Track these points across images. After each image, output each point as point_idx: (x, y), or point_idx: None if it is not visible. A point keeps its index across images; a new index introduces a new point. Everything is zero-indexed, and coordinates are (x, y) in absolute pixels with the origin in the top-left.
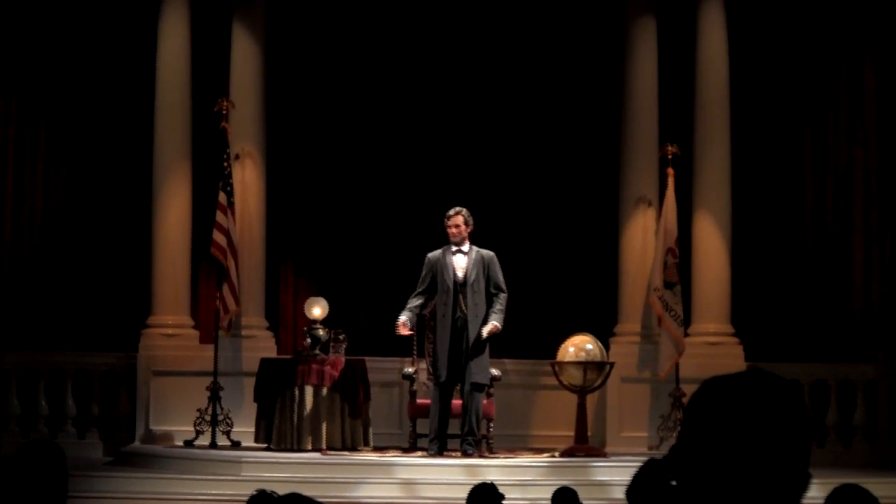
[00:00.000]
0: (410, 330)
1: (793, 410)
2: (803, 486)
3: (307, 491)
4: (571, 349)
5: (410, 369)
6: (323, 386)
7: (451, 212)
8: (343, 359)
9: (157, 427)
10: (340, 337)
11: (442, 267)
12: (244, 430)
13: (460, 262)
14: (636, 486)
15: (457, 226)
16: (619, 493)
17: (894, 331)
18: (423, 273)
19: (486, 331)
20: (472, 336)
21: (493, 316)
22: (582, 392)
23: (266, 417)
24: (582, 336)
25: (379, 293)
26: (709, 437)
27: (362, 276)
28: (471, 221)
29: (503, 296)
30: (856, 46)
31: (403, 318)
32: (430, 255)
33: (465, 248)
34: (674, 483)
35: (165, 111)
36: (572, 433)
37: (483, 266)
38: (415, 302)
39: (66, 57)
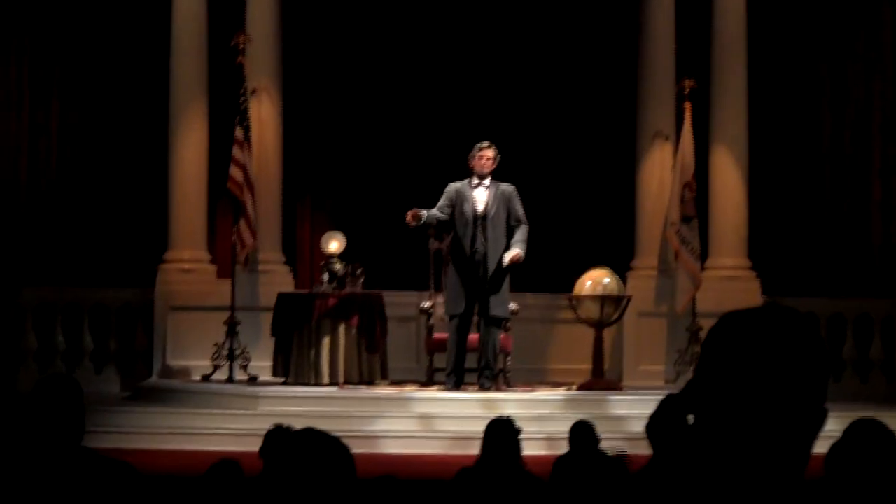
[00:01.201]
0: (417, 223)
1: (810, 345)
2: (820, 421)
3: (324, 425)
4: (589, 283)
5: (428, 303)
6: (340, 320)
7: (484, 144)
8: (359, 292)
9: (174, 362)
10: (357, 271)
11: (463, 199)
12: (261, 364)
13: (481, 196)
14: (655, 422)
15: (488, 158)
16: (637, 427)
17: None
18: (443, 199)
19: (508, 257)
20: (491, 269)
21: (516, 245)
22: (599, 326)
23: (283, 352)
24: (599, 270)
25: (396, 227)
26: (726, 372)
27: (380, 211)
28: (498, 157)
29: (525, 227)
30: None
31: (420, 210)
32: (452, 185)
33: (487, 181)
34: (691, 418)
35: (182, 46)
36: (589, 367)
37: (504, 200)
38: (435, 212)
39: None
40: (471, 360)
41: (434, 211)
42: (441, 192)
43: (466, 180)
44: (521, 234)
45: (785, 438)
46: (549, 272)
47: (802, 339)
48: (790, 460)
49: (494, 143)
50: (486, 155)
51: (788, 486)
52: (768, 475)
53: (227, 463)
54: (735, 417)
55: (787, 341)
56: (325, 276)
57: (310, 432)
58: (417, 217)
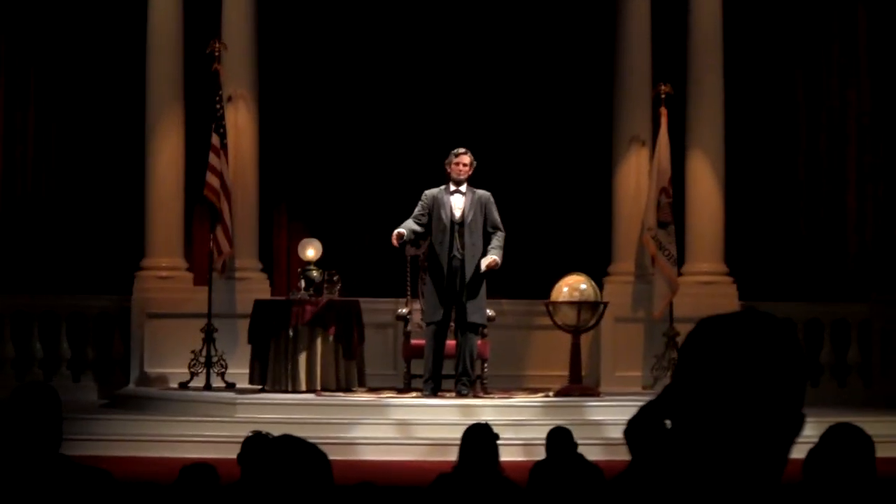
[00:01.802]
0: (403, 244)
1: (787, 350)
2: (798, 426)
3: (301, 432)
4: (565, 289)
5: (405, 310)
6: (317, 327)
7: (461, 149)
8: (336, 299)
9: (151, 369)
10: (334, 278)
11: (440, 205)
12: (239, 371)
13: (458, 202)
14: (633, 427)
15: (465, 164)
16: (614, 433)
17: (887, 271)
18: (419, 207)
19: (484, 263)
20: (468, 275)
21: (492, 251)
22: (576, 332)
23: (260, 359)
24: (576, 276)
25: (373, 234)
26: (703, 377)
27: (356, 218)
28: (475, 163)
29: (501, 234)
30: None
31: (402, 230)
32: (428, 191)
33: (464, 188)
34: (668, 424)
35: (157, 53)
36: (566, 373)
37: (481, 206)
38: (412, 225)
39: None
40: (448, 367)
41: (411, 224)
42: (417, 199)
43: (443, 187)
44: (497, 240)
45: (763, 443)
46: (525, 278)
47: (780, 344)
48: (768, 465)
49: (471, 148)
50: (463, 161)
51: (766, 491)
52: (746, 480)
53: (201, 467)
54: (713, 423)
55: (765, 346)
56: (302, 283)
57: (287, 439)
58: (400, 237)
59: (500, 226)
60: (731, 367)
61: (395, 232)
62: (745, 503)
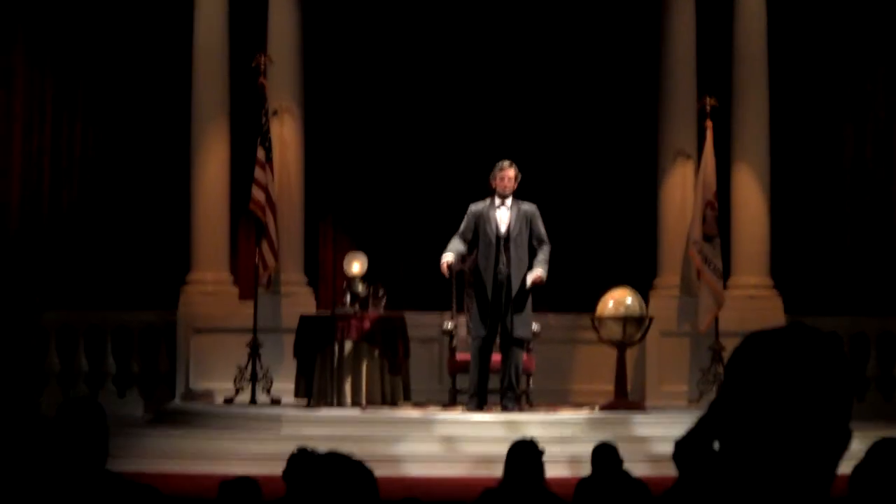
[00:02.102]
0: (452, 270)
1: (834, 365)
2: (845, 441)
3: (347, 447)
4: (611, 303)
5: (450, 324)
6: (362, 342)
7: (505, 163)
8: (381, 314)
9: (197, 384)
10: (380, 292)
11: (485, 220)
12: (284, 386)
13: (503, 216)
14: (682, 446)
15: (510, 178)
16: (660, 448)
17: None
18: (465, 223)
19: (530, 279)
20: (514, 290)
21: (538, 266)
22: (621, 346)
23: (306, 374)
24: (621, 290)
25: (418, 248)
26: (750, 392)
27: (401, 231)
28: (519, 176)
29: (547, 247)
30: None
31: (450, 258)
32: (474, 206)
33: (509, 201)
34: (716, 446)
35: (203, 67)
36: (612, 387)
37: (526, 220)
38: (458, 245)
39: (104, 14)
40: (493, 381)
41: (458, 245)
42: (462, 212)
43: (488, 200)
44: (543, 254)
45: (810, 459)
46: (571, 292)
47: (826, 359)
48: (816, 481)
49: (516, 161)
50: (508, 174)
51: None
52: (794, 496)
53: (242, 481)
54: (760, 438)
55: (811, 361)
56: (348, 298)
57: (333, 455)
58: (449, 266)
59: (546, 239)
60: (778, 382)
61: (444, 262)
62: None
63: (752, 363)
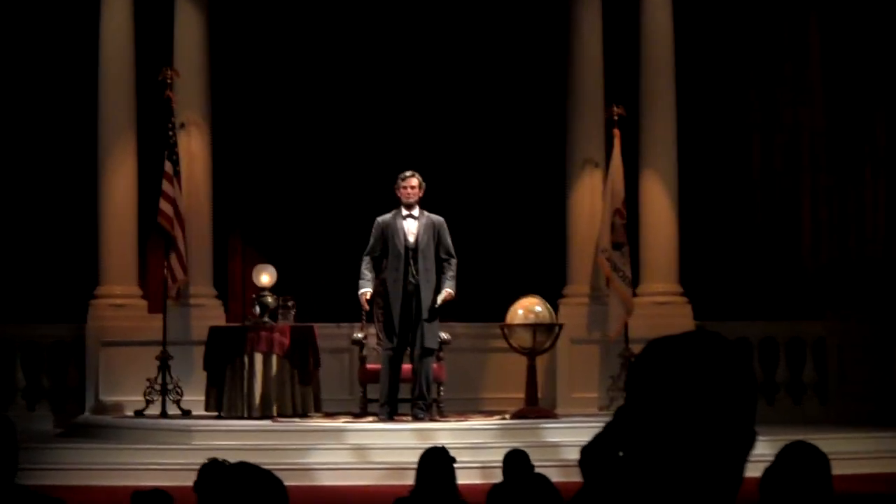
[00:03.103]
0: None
1: (736, 368)
2: (749, 445)
3: (258, 458)
4: (520, 311)
5: (360, 335)
6: (272, 353)
7: (407, 173)
8: (291, 325)
9: (107, 398)
10: (289, 304)
11: (393, 231)
12: (194, 398)
13: (411, 227)
14: (587, 456)
15: (412, 187)
16: (571, 454)
17: (841, 289)
18: (373, 239)
19: (440, 299)
20: (424, 300)
21: (447, 283)
22: (532, 354)
23: (216, 386)
24: (531, 298)
25: (327, 259)
26: (652, 399)
27: (310, 243)
28: (423, 185)
29: (454, 262)
30: (800, 4)
31: (368, 290)
32: (380, 218)
33: (416, 212)
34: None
35: (109, 80)
36: (523, 395)
37: (434, 231)
38: (370, 272)
39: (7, 27)
40: (404, 391)
41: (369, 272)
42: (371, 223)
43: (395, 211)
44: (450, 270)
45: (714, 462)
46: (481, 301)
47: (729, 364)
48: (721, 485)
49: (424, 172)
50: (410, 184)
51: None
52: (700, 500)
53: (154, 493)
54: (664, 443)
55: (714, 366)
56: (257, 309)
57: (244, 466)
58: (367, 298)
59: (452, 252)
60: (680, 388)
61: (362, 297)
62: None
63: (653, 369)
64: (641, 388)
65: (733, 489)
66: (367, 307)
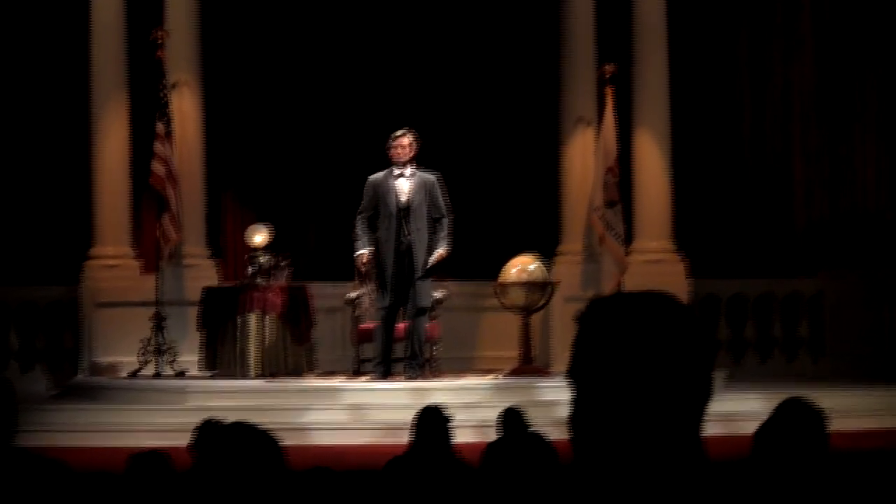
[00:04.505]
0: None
1: (683, 325)
2: (703, 401)
3: (253, 418)
4: (514, 270)
5: (354, 294)
6: (266, 313)
7: (398, 132)
8: (285, 285)
9: (101, 359)
10: (283, 263)
11: (385, 191)
12: (189, 359)
13: (403, 186)
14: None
15: (403, 146)
16: (566, 412)
17: (835, 246)
18: (366, 198)
19: (433, 259)
20: (417, 260)
21: (440, 243)
22: (526, 312)
23: (210, 346)
24: (524, 256)
25: (321, 218)
26: (600, 356)
27: (304, 202)
28: (416, 144)
29: (446, 221)
30: None
31: (366, 251)
32: (372, 177)
33: (408, 171)
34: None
35: (101, 41)
36: (517, 354)
37: (426, 190)
38: (365, 233)
39: None
40: (398, 350)
41: (365, 233)
42: (364, 182)
43: (387, 171)
44: (443, 229)
45: (667, 417)
46: (474, 260)
47: (674, 319)
48: (678, 441)
49: (417, 130)
50: (401, 143)
51: (687, 461)
52: (658, 452)
53: (151, 455)
54: (612, 402)
55: (660, 321)
56: (251, 269)
57: (239, 426)
58: (371, 258)
59: (444, 211)
60: (627, 344)
61: (360, 257)
62: (668, 477)
63: (597, 328)
64: (587, 346)
65: (692, 439)
66: (365, 268)
